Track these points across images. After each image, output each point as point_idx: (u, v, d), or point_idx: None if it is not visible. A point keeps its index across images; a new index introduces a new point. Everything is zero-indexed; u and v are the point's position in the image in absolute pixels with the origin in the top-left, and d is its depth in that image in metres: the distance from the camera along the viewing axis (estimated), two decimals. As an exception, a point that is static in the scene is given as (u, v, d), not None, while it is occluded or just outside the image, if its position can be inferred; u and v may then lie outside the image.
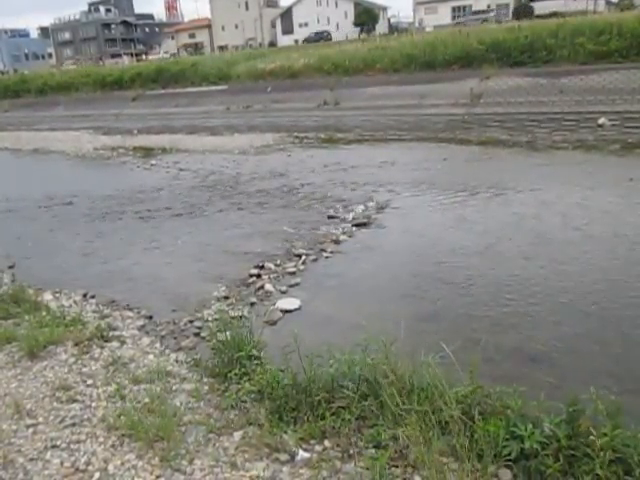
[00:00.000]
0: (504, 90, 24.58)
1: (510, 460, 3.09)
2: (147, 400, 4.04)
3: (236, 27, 69.37)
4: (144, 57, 71.16)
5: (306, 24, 63.47)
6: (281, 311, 6.19)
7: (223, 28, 71.52)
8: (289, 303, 6.37)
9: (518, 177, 12.51)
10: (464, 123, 22.38)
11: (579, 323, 5.63)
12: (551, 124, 20.30)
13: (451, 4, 54.16)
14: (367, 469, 3.20)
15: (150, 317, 6.13)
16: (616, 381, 4.44)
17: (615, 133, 17.83)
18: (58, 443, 3.66)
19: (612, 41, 24.34)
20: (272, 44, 62.65)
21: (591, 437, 2.93)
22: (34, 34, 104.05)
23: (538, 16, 40.63)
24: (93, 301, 6.68)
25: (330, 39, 56.21)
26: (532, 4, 49.50)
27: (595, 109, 20.80)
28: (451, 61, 28.67)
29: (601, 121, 19.36)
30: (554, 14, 38.89)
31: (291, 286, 6.93)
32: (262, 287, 6.88)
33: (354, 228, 9.29)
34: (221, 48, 67.75)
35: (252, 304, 6.40)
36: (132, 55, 73.30)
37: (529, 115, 21.81)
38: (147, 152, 21.36)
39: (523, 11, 46.80)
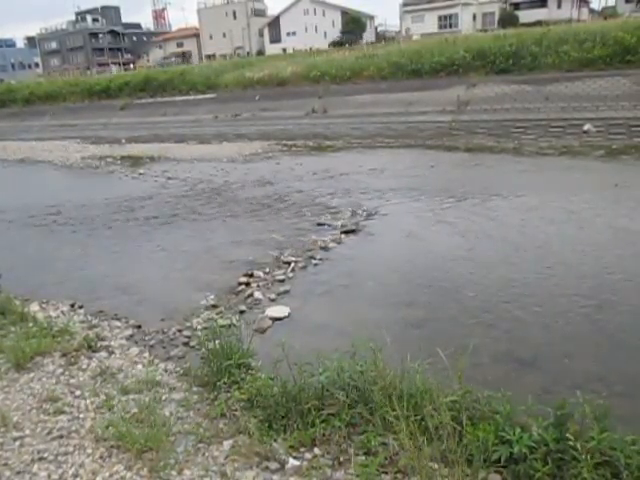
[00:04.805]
0: (490, 97, 24.81)
1: (500, 465, 3.10)
2: (136, 410, 4.01)
3: (224, 36, 69.38)
4: (131, 66, 70.92)
5: (294, 33, 63.62)
6: (270, 319, 6.18)
7: (211, 37, 71.53)
8: (278, 311, 6.36)
9: (505, 183, 12.63)
10: (451, 130, 22.55)
11: (567, 327, 5.68)
12: (537, 130, 20.53)
13: (437, 13, 54.59)
14: (357, 476, 3.19)
15: (139, 326, 6.09)
16: (604, 384, 4.47)
17: (600, 139, 18.07)
18: (45, 455, 3.60)
19: (596, 49, 24.68)
20: (260, 53, 62.78)
21: (571, 442, 2.94)
22: (20, 44, 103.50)
23: (523, 24, 41.12)
24: (81, 311, 6.62)
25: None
26: (517, 12, 50.14)
27: (580, 116, 21.05)
28: (438, 69, 28.91)
29: (586, 127, 19.61)
30: (538, 22, 39.38)
31: (280, 294, 6.92)
32: (251, 295, 6.87)
33: (343, 235, 9.31)
34: (209, 57, 67.77)
35: (241, 312, 6.39)
36: (120, 64, 73.05)
37: (515, 122, 22.01)
38: (135, 161, 21.29)
39: (508, 19, 47.38)
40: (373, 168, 15.50)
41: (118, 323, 6.20)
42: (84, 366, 4.91)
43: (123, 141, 29.18)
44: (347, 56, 35.70)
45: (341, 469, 3.31)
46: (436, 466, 3.15)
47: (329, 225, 9.93)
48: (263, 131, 27.84)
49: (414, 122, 24.56)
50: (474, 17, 53.80)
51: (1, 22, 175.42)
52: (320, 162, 17.83)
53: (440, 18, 54.57)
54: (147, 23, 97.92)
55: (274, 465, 3.39)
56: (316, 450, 3.49)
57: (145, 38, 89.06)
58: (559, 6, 50.69)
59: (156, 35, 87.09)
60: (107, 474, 3.38)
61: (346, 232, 9.44)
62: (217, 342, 4.56)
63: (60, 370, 4.81)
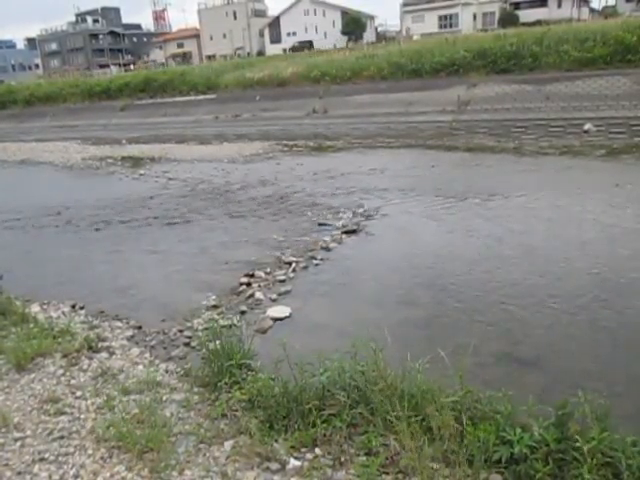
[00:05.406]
0: (491, 97, 24.81)
1: (501, 465, 3.10)
2: (137, 411, 4.00)
3: (224, 36, 69.45)
4: (132, 67, 70.95)
5: (294, 33, 63.73)
6: (272, 319, 6.18)
7: (211, 37, 71.60)
8: (279, 311, 6.36)
9: (506, 183, 12.62)
10: (452, 130, 22.55)
11: (568, 327, 5.67)
12: (537, 130, 20.52)
13: (437, 13, 54.62)
14: (358, 476, 3.19)
15: (139, 327, 6.09)
16: (605, 384, 4.46)
17: (601, 139, 18.05)
18: (46, 456, 3.61)
19: (596, 48, 24.67)
20: (260, 53, 62.84)
21: (577, 443, 2.94)
22: (21, 45, 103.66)
23: (523, 24, 41.11)
24: (82, 312, 6.61)
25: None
26: (517, 12, 50.15)
27: (580, 115, 21.05)
28: (438, 69, 28.91)
29: (587, 127, 19.60)
30: (539, 22, 39.39)
31: (281, 294, 6.92)
32: (252, 295, 6.86)
33: (344, 235, 9.30)
34: (209, 57, 67.83)
35: (242, 312, 6.38)
36: (120, 65, 73.08)
37: (516, 121, 22.02)
38: (136, 162, 21.29)
39: (508, 19, 47.39)
40: (373, 168, 15.49)
41: (119, 324, 6.20)
42: (85, 367, 4.91)
43: (123, 142, 29.19)
44: (347, 56, 35.74)
45: (342, 469, 3.31)
46: (437, 466, 3.16)
47: (330, 225, 9.93)
48: (263, 131, 27.86)
49: (414, 122, 24.56)
50: (474, 17, 53.83)
51: (1, 23, 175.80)
52: (321, 162, 17.83)
53: (440, 18, 54.61)
54: (147, 24, 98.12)
55: (275, 465, 3.39)
56: (317, 450, 3.49)
57: (145, 39, 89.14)
58: (559, 5, 50.70)
59: (156, 36, 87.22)
60: (108, 475, 3.39)
61: (347, 232, 9.44)
62: (218, 342, 4.56)
63: (61, 371, 4.81)
